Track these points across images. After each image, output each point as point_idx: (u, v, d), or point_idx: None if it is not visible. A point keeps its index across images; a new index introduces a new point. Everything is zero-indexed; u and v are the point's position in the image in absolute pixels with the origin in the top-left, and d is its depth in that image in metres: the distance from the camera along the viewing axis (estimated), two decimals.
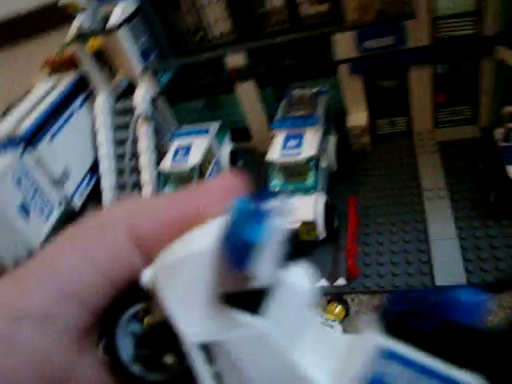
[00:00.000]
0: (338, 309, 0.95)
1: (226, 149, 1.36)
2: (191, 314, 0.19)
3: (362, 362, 0.18)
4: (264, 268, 0.17)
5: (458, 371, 0.18)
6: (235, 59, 1.28)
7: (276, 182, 1.11)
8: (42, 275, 0.21)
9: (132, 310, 0.21)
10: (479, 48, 1.14)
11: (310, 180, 1.08)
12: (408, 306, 0.19)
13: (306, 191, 1.07)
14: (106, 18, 1.37)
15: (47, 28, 3.33)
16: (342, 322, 0.94)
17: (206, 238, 0.19)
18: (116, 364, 0.21)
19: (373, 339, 0.18)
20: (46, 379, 0.19)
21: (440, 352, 0.18)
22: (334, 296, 0.97)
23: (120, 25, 1.32)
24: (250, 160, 1.41)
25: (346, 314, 0.95)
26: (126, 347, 0.21)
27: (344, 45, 1.21)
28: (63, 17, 1.51)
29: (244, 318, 0.18)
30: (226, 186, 0.23)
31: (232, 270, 0.17)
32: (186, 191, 0.24)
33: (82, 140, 1.48)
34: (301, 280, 0.20)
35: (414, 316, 0.18)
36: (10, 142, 1.27)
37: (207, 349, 0.19)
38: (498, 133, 1.09)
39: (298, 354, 0.19)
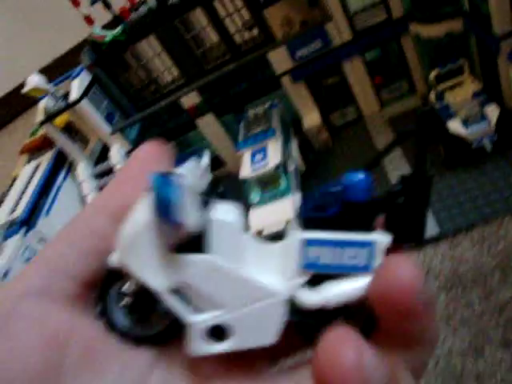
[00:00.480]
0: None
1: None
2: (155, 271, 0.23)
3: (294, 256, 0.23)
4: (190, 216, 0.21)
5: (365, 235, 0.22)
6: (190, 99, 1.42)
7: (254, 196, 1.23)
8: (34, 264, 0.25)
9: (119, 284, 0.25)
10: (394, 30, 1.29)
11: (283, 185, 1.20)
12: (316, 201, 0.23)
13: (282, 195, 1.19)
14: (66, 95, 1.51)
15: (8, 119, 3.48)
16: None
17: (142, 212, 0.23)
18: (111, 329, 0.25)
19: (296, 236, 0.23)
20: (49, 342, 0.22)
21: (347, 227, 0.23)
22: None
23: (80, 98, 1.44)
24: (228, 183, 1.54)
25: None
26: (118, 317, 0.25)
27: (279, 59, 1.35)
28: (22, 104, 1.64)
29: (193, 257, 0.23)
30: (149, 156, 0.27)
31: (167, 226, 0.21)
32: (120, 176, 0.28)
33: (73, 207, 1.59)
34: (227, 214, 0.24)
35: (321, 207, 0.23)
36: (12, 227, 1.38)
37: (176, 291, 0.23)
38: (432, 96, 1.23)
39: (244, 269, 0.23)
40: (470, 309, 0.92)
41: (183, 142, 1.61)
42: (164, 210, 0.21)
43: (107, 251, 0.24)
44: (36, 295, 0.23)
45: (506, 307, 0.89)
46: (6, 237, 1.36)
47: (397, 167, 1.19)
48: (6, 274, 1.26)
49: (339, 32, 1.30)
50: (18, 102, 2.91)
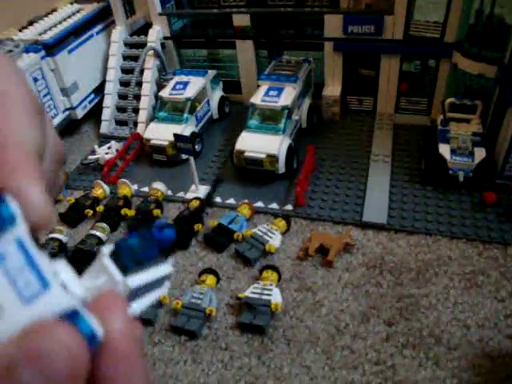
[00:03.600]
0: (282, 223, 1.17)
1: (217, 94, 1.58)
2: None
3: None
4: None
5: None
6: (241, 18, 1.50)
7: (253, 122, 1.32)
8: None
9: None
10: (439, 50, 1.38)
11: (281, 125, 1.30)
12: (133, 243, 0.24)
13: (276, 132, 1.29)
14: None
15: None
16: (283, 233, 1.17)
17: None
18: None
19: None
20: None
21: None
22: (281, 214, 1.19)
23: None
24: (236, 109, 1.63)
25: (287, 230, 1.18)
26: None
27: (333, 25, 1.44)
28: None
29: None
30: None
31: None
32: None
33: (94, 62, 1.67)
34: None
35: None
36: (35, 46, 1.46)
37: None
38: (439, 118, 1.34)
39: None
40: (377, 288, 1.04)
41: (213, 55, 1.69)
42: None
43: None
44: None
45: (403, 299, 1.01)
46: (27, 50, 1.43)
47: None
48: None
49: (394, 28, 1.39)
50: None
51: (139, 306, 0.25)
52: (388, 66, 1.47)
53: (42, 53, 1.46)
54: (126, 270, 0.23)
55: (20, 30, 1.55)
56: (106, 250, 0.24)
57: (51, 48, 1.47)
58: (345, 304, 1.02)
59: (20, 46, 1.41)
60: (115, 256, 0.24)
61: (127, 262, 0.24)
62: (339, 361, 0.92)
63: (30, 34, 1.51)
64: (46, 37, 1.48)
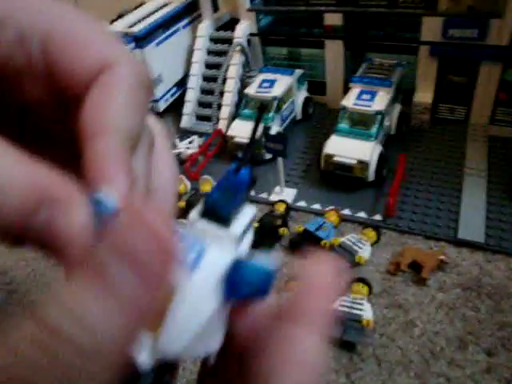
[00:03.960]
0: (372, 234, 1.12)
1: (302, 94, 1.54)
2: None
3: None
4: None
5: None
6: (333, 18, 1.45)
7: (343, 126, 1.28)
8: None
9: None
10: None
11: (374, 130, 1.24)
12: (218, 195, 0.23)
13: (368, 138, 1.23)
14: None
15: None
16: (372, 245, 1.12)
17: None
18: None
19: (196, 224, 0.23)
20: None
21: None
22: (370, 225, 1.14)
23: None
24: (319, 111, 1.59)
25: (377, 240, 1.13)
26: None
27: (431, 28, 1.37)
28: None
29: None
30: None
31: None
32: None
33: (178, 56, 1.67)
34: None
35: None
36: (125, 37, 1.47)
37: None
38: None
39: None
40: (474, 313, 0.98)
41: (297, 54, 1.65)
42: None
43: None
44: None
45: (505, 327, 0.94)
46: None
47: None
48: None
49: (500, 32, 1.30)
50: None
51: (243, 251, 0.24)
52: (488, 73, 1.38)
53: (132, 44, 1.47)
54: (223, 221, 0.23)
55: (111, 23, 1.56)
56: (195, 214, 0.23)
57: (141, 40, 1.48)
58: (439, 326, 0.96)
59: None
60: (208, 214, 0.23)
61: (222, 213, 0.23)
62: None
63: (120, 26, 1.52)
64: (136, 29, 1.49)
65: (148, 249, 0.17)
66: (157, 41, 1.55)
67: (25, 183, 0.17)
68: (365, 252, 1.09)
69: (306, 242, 1.13)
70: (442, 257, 1.06)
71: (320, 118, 1.55)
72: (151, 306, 0.17)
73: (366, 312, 0.96)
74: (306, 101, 1.55)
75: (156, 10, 1.62)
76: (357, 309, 0.96)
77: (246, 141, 1.35)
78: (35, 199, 0.17)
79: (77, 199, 0.19)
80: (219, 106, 1.54)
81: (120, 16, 1.64)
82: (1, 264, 1.28)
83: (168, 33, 1.59)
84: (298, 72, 1.50)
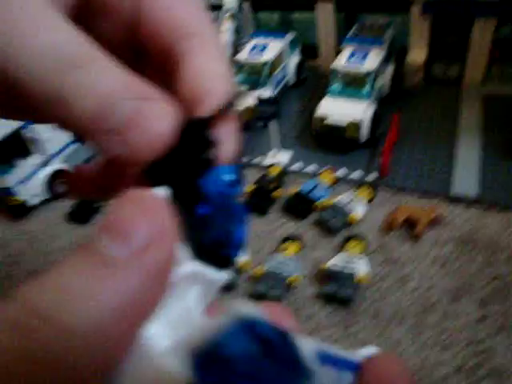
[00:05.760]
0: (367, 191, 1.13)
1: (295, 58, 1.52)
2: None
3: None
4: None
5: None
6: None
7: (336, 86, 1.27)
8: None
9: None
10: None
11: (366, 90, 1.23)
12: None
13: (361, 97, 1.23)
14: None
15: None
16: (367, 203, 1.12)
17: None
18: None
19: None
20: None
21: None
22: (365, 183, 1.15)
23: None
24: (313, 74, 1.58)
25: (373, 198, 1.13)
26: None
27: None
28: None
29: None
30: None
31: None
32: None
33: None
34: None
35: None
36: None
37: None
38: None
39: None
40: (468, 266, 0.99)
41: (289, 18, 1.63)
42: None
43: None
44: None
45: (497, 279, 0.95)
46: None
47: None
48: None
49: None
50: None
51: None
52: (482, 30, 1.36)
53: None
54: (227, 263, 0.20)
55: None
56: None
57: None
58: (433, 280, 0.97)
59: None
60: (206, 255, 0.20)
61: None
62: (429, 339, 0.88)
63: None
64: None
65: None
66: None
67: (123, 78, 0.18)
68: (359, 211, 1.10)
69: (299, 203, 1.14)
70: (437, 212, 1.06)
71: (314, 82, 1.54)
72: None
73: (361, 268, 0.97)
74: (299, 65, 1.53)
75: None
76: (351, 265, 0.97)
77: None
78: (129, 90, 0.18)
79: (167, 107, 0.19)
80: None
81: None
82: (1, 237, 1.29)
83: None
84: (290, 35, 1.48)
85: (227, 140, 0.21)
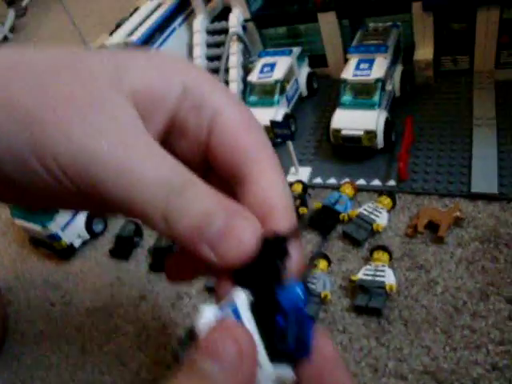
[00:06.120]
0: (387, 201, 1.16)
1: (304, 70, 1.56)
2: None
3: None
4: None
5: None
6: None
7: (347, 98, 1.30)
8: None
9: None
10: None
11: (376, 98, 1.27)
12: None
13: (371, 107, 1.26)
14: None
15: None
16: (389, 211, 1.16)
17: None
18: None
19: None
20: None
21: None
22: (385, 191, 1.18)
23: None
24: (324, 84, 1.61)
25: (393, 206, 1.17)
26: None
27: None
28: None
29: None
30: None
31: None
32: None
33: (181, 54, 1.71)
34: None
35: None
36: (125, 48, 1.52)
37: None
38: None
39: None
40: (493, 263, 1.01)
41: (295, 30, 1.66)
42: None
43: None
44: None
45: None
46: None
47: None
48: None
49: None
50: None
51: None
52: (486, 17, 1.37)
53: None
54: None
55: (110, 34, 1.62)
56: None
57: (140, 48, 1.53)
58: (460, 281, 1.01)
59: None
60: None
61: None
62: (460, 341, 0.92)
63: (119, 37, 1.57)
64: (134, 38, 1.54)
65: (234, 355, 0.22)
66: (156, 45, 1.59)
67: (215, 197, 0.24)
68: (382, 219, 1.13)
69: (325, 217, 1.19)
70: (458, 213, 1.09)
71: (326, 91, 1.58)
72: None
73: (389, 278, 1.01)
74: (310, 76, 1.57)
75: (151, 14, 1.66)
76: (379, 276, 1.02)
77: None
78: (219, 208, 0.25)
79: (253, 222, 0.26)
80: None
81: (118, 25, 1.69)
82: (52, 279, 1.40)
83: (166, 34, 1.64)
84: (297, 50, 1.52)
85: (297, 254, 0.27)
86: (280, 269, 0.27)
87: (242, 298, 0.26)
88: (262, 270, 0.27)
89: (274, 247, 0.27)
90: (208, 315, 0.25)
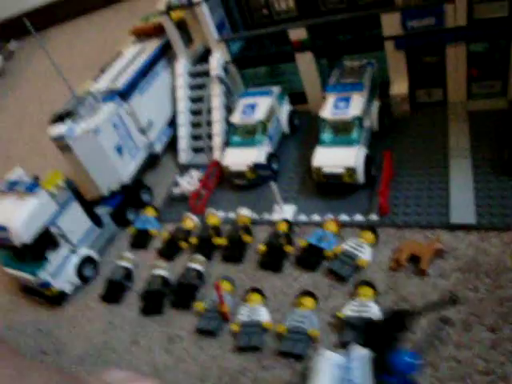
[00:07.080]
0: (370, 236, 1.19)
1: (285, 109, 1.61)
2: None
3: None
4: None
5: None
6: (297, 33, 1.52)
7: (326, 136, 1.35)
8: None
9: None
10: (509, 29, 1.32)
11: (355, 135, 1.31)
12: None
13: (350, 143, 1.30)
14: None
15: None
16: (372, 245, 1.19)
17: None
18: None
19: None
20: None
21: None
22: (367, 226, 1.22)
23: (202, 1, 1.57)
24: (305, 120, 1.66)
25: (376, 240, 1.20)
26: None
27: (391, 23, 1.42)
28: None
29: None
30: None
31: None
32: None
33: (164, 97, 1.76)
34: None
35: None
36: (110, 94, 1.57)
37: None
38: None
39: None
40: (474, 293, 1.04)
41: (275, 69, 1.72)
42: None
43: None
44: None
45: (504, 302, 1.00)
46: (104, 100, 1.54)
47: None
48: (96, 131, 1.46)
49: (455, 15, 1.34)
50: None
51: None
52: (454, 53, 1.43)
53: (118, 100, 1.56)
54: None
55: (95, 80, 1.66)
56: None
57: (125, 94, 1.57)
58: (443, 312, 1.03)
59: (98, 98, 1.51)
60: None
61: None
62: (446, 373, 0.94)
63: (103, 83, 1.61)
64: (119, 84, 1.58)
65: None
66: (140, 90, 1.64)
67: None
68: (366, 255, 1.16)
69: (310, 254, 1.21)
70: (438, 245, 1.12)
71: (307, 127, 1.63)
72: None
73: (375, 312, 1.04)
74: (291, 114, 1.62)
75: (134, 59, 1.71)
76: (365, 311, 1.04)
77: (240, 168, 1.43)
78: None
79: None
80: (210, 137, 1.63)
81: (102, 71, 1.73)
82: (43, 327, 1.40)
83: (149, 78, 1.68)
84: (276, 90, 1.58)
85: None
86: (397, 338, 0.43)
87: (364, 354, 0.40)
88: (385, 337, 0.40)
89: (396, 321, 0.40)
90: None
